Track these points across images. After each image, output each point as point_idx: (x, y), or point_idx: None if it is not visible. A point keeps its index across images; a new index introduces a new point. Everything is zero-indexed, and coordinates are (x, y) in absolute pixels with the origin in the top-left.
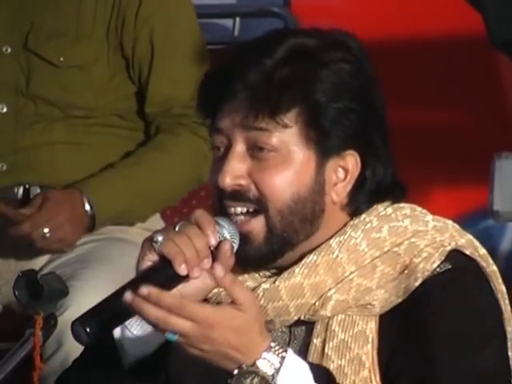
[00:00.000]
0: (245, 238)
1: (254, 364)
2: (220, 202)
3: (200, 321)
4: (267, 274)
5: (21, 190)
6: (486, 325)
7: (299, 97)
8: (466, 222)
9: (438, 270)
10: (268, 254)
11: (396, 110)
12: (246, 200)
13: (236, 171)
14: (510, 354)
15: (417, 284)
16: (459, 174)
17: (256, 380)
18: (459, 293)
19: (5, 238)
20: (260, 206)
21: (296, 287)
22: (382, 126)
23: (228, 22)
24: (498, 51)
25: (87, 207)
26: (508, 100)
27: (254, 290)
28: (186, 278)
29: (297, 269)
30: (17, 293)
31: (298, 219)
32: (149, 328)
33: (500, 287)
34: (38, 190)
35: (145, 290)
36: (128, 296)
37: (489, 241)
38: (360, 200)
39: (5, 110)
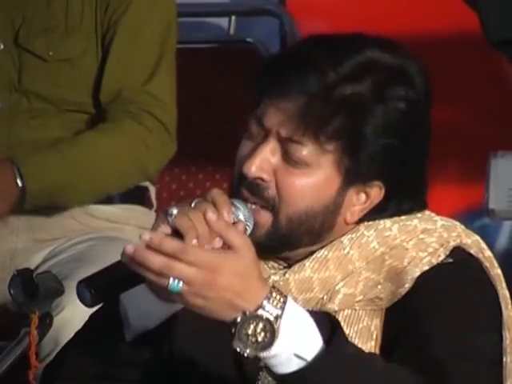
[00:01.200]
0: None
1: (257, 309)
2: (237, 186)
3: (204, 265)
4: (276, 266)
5: None
6: (484, 315)
7: (349, 127)
8: (462, 220)
9: (438, 263)
10: (267, 247)
11: None
12: (261, 197)
13: (264, 164)
14: (504, 359)
15: (419, 273)
16: (455, 172)
17: (260, 325)
18: (460, 283)
19: None
20: (272, 207)
21: (305, 281)
22: (422, 163)
23: (223, 21)
24: (494, 50)
25: (18, 179)
26: (505, 98)
27: None
28: None
29: (307, 263)
30: (12, 291)
31: (304, 229)
32: (152, 301)
33: (504, 292)
34: None
35: (146, 236)
36: (129, 248)
37: (484, 239)
38: (375, 218)
39: None
